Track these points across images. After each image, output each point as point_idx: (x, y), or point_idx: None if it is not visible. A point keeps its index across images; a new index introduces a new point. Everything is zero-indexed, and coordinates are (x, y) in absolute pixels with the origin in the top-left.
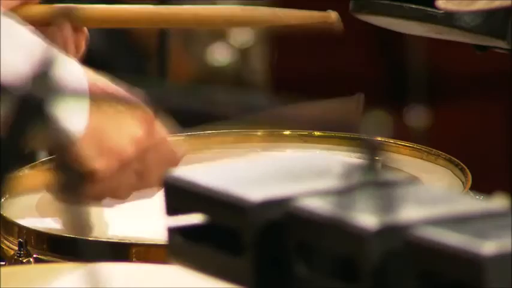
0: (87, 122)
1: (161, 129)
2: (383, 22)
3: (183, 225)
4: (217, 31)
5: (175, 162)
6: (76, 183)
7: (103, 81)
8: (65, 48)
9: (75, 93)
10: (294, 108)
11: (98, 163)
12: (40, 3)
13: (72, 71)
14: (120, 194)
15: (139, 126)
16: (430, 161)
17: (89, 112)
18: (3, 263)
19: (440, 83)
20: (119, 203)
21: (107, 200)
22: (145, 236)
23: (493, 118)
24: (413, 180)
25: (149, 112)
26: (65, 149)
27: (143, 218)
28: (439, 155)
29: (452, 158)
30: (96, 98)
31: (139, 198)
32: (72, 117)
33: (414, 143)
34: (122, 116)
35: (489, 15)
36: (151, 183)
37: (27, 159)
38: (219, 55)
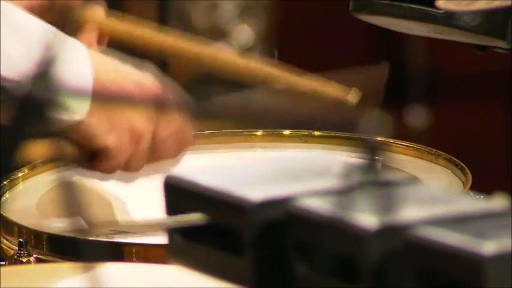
0: (93, 94)
1: (172, 103)
2: (383, 22)
3: (183, 225)
4: (217, 30)
5: (188, 134)
6: (88, 158)
7: (110, 64)
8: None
9: (80, 77)
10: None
11: (109, 139)
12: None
13: (77, 55)
14: (132, 167)
15: (151, 104)
16: (430, 161)
17: (95, 83)
18: (3, 263)
19: (440, 83)
20: (131, 176)
21: (119, 174)
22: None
23: (493, 118)
24: (413, 180)
25: (159, 85)
26: (71, 130)
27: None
28: (439, 155)
29: (452, 157)
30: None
31: (152, 171)
32: (78, 89)
33: (414, 143)
34: (133, 90)
35: (489, 15)
36: (165, 155)
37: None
38: None
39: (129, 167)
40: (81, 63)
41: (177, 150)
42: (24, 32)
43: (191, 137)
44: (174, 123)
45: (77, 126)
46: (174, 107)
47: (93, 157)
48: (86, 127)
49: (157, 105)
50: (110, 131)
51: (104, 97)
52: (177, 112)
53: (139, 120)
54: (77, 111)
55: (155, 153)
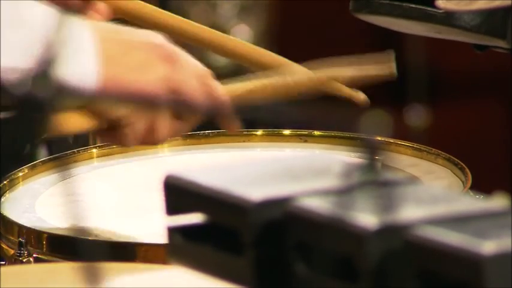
0: (101, 72)
1: (189, 64)
2: (383, 22)
3: (183, 225)
4: (216, 30)
5: (216, 95)
6: (111, 128)
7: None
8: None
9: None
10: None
11: (122, 109)
12: None
13: (81, 47)
14: (158, 136)
15: (164, 64)
16: (430, 161)
17: (102, 61)
18: (3, 262)
19: (440, 83)
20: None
21: (146, 143)
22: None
23: (493, 117)
24: (413, 180)
25: (172, 48)
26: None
27: (144, 218)
28: (439, 155)
29: (452, 157)
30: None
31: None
32: (83, 70)
33: (414, 142)
34: (144, 56)
35: (489, 14)
36: (192, 119)
37: (27, 159)
38: None
39: (154, 132)
40: (85, 58)
41: (206, 101)
42: (26, 20)
43: (216, 85)
44: (195, 79)
45: (89, 102)
46: (188, 60)
47: (112, 127)
48: (98, 101)
49: (172, 63)
50: (121, 100)
51: (114, 78)
52: (193, 63)
53: (154, 82)
54: (87, 89)
55: (180, 114)
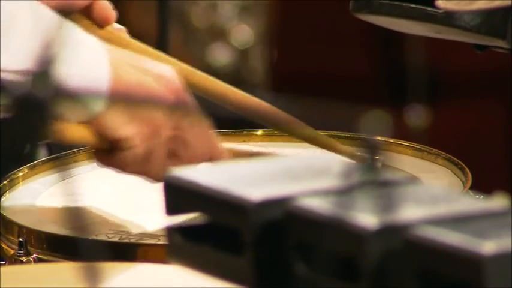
0: (111, 91)
1: (193, 105)
2: (383, 22)
3: (183, 225)
4: (216, 30)
5: (215, 142)
6: (110, 149)
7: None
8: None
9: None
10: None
11: (126, 130)
12: None
13: (93, 54)
14: (152, 162)
15: (170, 97)
16: (430, 161)
17: (113, 81)
18: (3, 262)
19: (440, 83)
20: (152, 179)
21: (139, 172)
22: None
23: (493, 117)
24: (413, 180)
25: (181, 85)
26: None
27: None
28: (439, 155)
29: (452, 157)
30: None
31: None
32: (94, 87)
33: (414, 142)
34: (153, 84)
35: (489, 14)
36: (189, 157)
37: (27, 159)
38: (219, 55)
39: (149, 162)
40: (96, 64)
41: (203, 156)
42: (25, 21)
43: (219, 147)
44: (199, 125)
45: (94, 118)
46: (195, 107)
47: (111, 149)
48: (103, 118)
49: (179, 100)
50: (128, 122)
51: (122, 96)
52: (200, 115)
53: (159, 113)
54: (93, 105)
55: (179, 153)
